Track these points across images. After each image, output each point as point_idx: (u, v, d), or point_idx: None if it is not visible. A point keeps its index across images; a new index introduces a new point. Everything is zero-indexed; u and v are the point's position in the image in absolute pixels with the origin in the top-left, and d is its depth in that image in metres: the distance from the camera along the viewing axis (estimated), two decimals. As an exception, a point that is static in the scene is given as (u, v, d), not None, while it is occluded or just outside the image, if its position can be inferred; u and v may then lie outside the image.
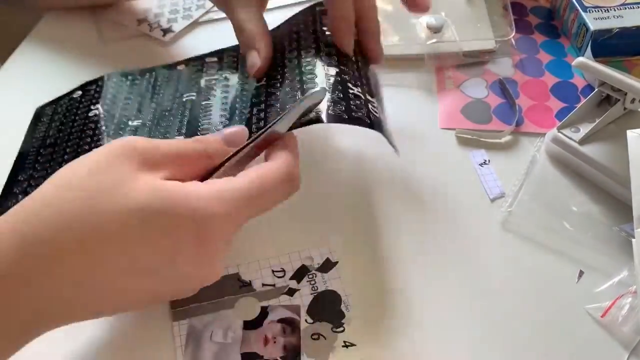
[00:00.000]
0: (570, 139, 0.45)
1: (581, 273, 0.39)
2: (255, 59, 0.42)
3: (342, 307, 0.36)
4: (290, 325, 0.36)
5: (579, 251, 0.40)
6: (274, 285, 0.38)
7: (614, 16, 0.54)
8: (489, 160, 0.47)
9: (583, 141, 0.45)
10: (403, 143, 0.48)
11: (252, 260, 0.39)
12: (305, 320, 0.36)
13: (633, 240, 0.37)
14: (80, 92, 0.49)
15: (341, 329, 0.35)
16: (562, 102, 0.52)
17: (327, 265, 0.39)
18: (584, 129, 0.45)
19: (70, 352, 0.35)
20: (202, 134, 0.41)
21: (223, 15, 0.58)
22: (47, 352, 0.33)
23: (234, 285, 0.38)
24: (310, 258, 0.39)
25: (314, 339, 0.35)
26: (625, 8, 0.54)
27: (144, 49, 0.55)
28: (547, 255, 0.40)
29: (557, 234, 0.41)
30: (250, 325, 0.36)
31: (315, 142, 0.48)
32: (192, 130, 0.41)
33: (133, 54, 0.55)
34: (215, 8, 0.60)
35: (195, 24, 0.59)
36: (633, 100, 0.45)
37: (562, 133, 0.45)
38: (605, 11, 0.54)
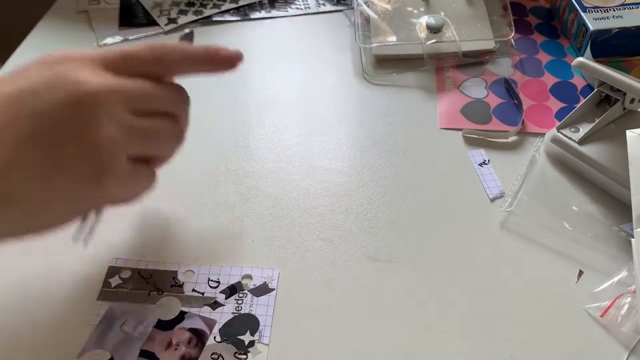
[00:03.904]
0: (570, 138, 0.45)
1: (581, 273, 0.39)
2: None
3: (256, 335, 0.35)
4: (198, 337, 0.35)
5: (579, 251, 0.40)
6: (202, 293, 0.37)
7: (613, 16, 0.54)
8: (488, 160, 0.47)
9: (582, 141, 0.45)
10: (403, 143, 0.48)
11: (196, 264, 0.39)
12: (214, 338, 0.35)
13: (632, 240, 0.37)
14: None
15: (244, 356, 0.34)
16: (562, 102, 0.52)
17: (262, 289, 0.38)
18: (584, 129, 0.45)
19: None
20: None
21: (233, 18, 0.58)
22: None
23: (166, 283, 0.38)
24: (249, 277, 0.38)
25: (213, 358, 0.34)
26: (625, 8, 0.54)
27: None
28: (547, 255, 0.40)
29: (557, 234, 0.41)
30: (162, 325, 0.36)
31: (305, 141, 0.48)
32: None
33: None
34: (231, 12, 0.60)
35: (205, 22, 0.59)
36: (632, 100, 0.45)
37: (561, 133, 0.46)
38: (604, 11, 0.54)
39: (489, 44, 0.55)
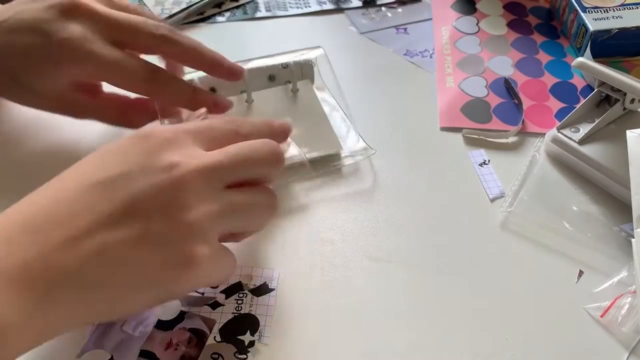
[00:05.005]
0: (570, 139, 0.45)
1: (581, 273, 0.39)
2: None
3: (256, 336, 0.35)
4: (197, 337, 0.35)
5: (579, 251, 0.40)
6: (202, 293, 0.37)
7: (613, 17, 0.54)
8: (488, 160, 0.47)
9: (583, 141, 0.45)
10: (403, 143, 0.48)
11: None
12: (214, 338, 0.35)
13: (632, 240, 0.37)
14: None
15: (244, 356, 0.34)
16: (562, 102, 0.52)
17: (262, 289, 0.38)
18: (584, 129, 0.45)
19: None
20: None
21: (234, 17, 0.58)
22: None
23: None
24: (250, 277, 0.38)
25: (213, 358, 0.34)
26: (625, 8, 0.55)
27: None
28: (547, 255, 0.40)
29: (557, 234, 0.41)
30: (163, 325, 0.36)
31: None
32: None
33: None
34: (231, 11, 0.60)
35: (205, 21, 0.59)
36: (632, 101, 0.45)
37: (561, 133, 0.46)
38: (604, 12, 0.54)
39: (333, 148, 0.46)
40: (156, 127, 0.33)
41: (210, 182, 0.31)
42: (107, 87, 0.44)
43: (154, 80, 0.39)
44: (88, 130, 0.46)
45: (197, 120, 0.39)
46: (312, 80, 0.49)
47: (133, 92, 0.42)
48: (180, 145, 0.31)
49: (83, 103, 0.42)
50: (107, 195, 0.29)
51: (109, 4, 0.41)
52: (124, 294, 0.29)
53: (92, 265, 0.27)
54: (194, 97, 0.41)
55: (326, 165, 0.45)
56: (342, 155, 0.46)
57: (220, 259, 0.32)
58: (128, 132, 0.43)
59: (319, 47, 0.49)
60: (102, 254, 0.28)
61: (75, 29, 0.38)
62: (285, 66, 0.47)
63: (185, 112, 0.43)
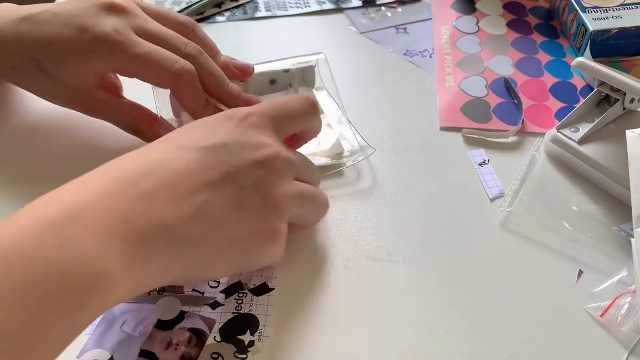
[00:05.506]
0: (570, 139, 0.45)
1: (581, 273, 0.39)
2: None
3: (256, 336, 0.35)
4: (198, 337, 0.35)
5: (579, 251, 0.40)
6: (202, 293, 0.37)
7: (613, 17, 0.54)
8: (488, 160, 0.47)
9: (582, 141, 0.45)
10: (403, 143, 0.48)
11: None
12: (215, 338, 0.35)
13: (632, 240, 0.37)
14: None
15: (244, 356, 0.34)
16: (562, 102, 0.52)
17: (262, 289, 0.38)
18: (584, 129, 0.45)
19: None
20: None
21: (234, 17, 0.58)
22: None
23: None
24: (250, 277, 0.38)
25: (213, 358, 0.34)
26: (625, 8, 0.55)
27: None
28: (547, 255, 0.40)
29: (557, 234, 0.41)
30: (163, 325, 0.36)
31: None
32: None
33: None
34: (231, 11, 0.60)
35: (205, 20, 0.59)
36: (632, 101, 0.45)
37: (561, 133, 0.46)
38: (604, 12, 0.54)
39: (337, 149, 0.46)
40: (244, 109, 0.35)
41: (290, 170, 0.35)
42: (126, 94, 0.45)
43: (179, 80, 0.40)
44: (98, 132, 0.46)
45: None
46: (313, 86, 0.49)
47: (159, 87, 0.43)
48: (264, 128, 0.35)
49: (103, 102, 0.43)
50: (209, 162, 0.32)
51: (146, 11, 0.42)
52: (214, 255, 0.32)
53: (189, 224, 0.30)
54: (205, 110, 0.41)
55: (327, 167, 0.45)
56: (343, 156, 0.46)
57: (284, 242, 0.35)
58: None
59: (320, 53, 0.49)
60: (199, 214, 0.30)
61: (110, 23, 0.39)
62: (287, 71, 0.48)
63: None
